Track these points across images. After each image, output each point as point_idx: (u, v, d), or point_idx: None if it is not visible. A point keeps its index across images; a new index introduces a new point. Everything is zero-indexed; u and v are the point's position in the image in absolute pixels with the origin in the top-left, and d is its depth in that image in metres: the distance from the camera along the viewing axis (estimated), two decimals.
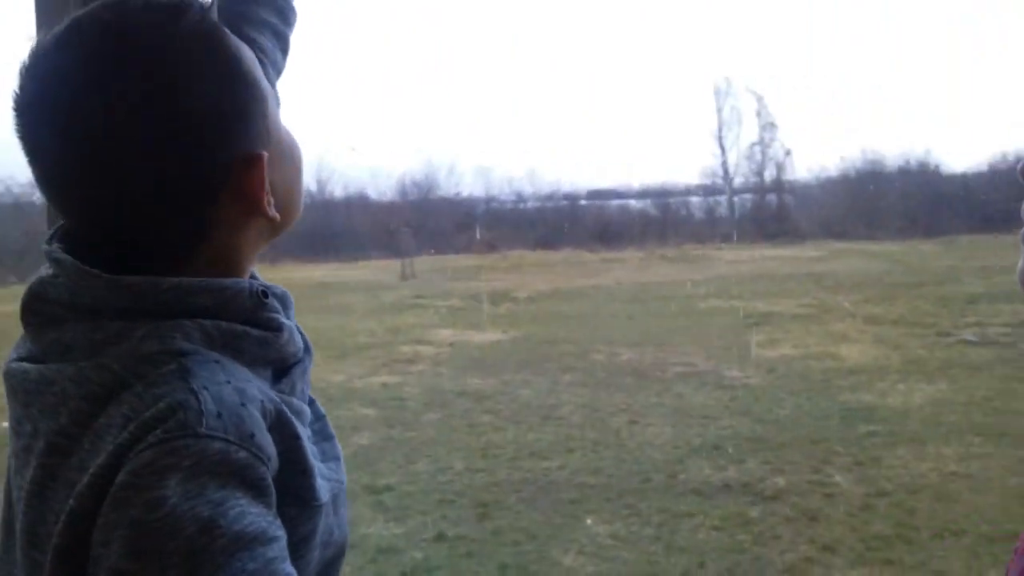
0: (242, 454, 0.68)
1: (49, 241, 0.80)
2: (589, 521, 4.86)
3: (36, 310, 0.76)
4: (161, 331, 0.72)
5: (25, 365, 0.76)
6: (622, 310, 8.00)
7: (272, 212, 0.81)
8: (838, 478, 5.23)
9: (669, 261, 9.16)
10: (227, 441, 0.67)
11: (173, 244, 0.78)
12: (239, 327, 0.75)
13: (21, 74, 0.76)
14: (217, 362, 0.73)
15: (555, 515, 4.86)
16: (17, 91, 0.75)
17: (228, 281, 0.77)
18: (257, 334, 0.76)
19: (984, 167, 8.57)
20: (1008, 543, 4.41)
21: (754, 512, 4.84)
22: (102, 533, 0.65)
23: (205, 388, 0.69)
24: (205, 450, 0.66)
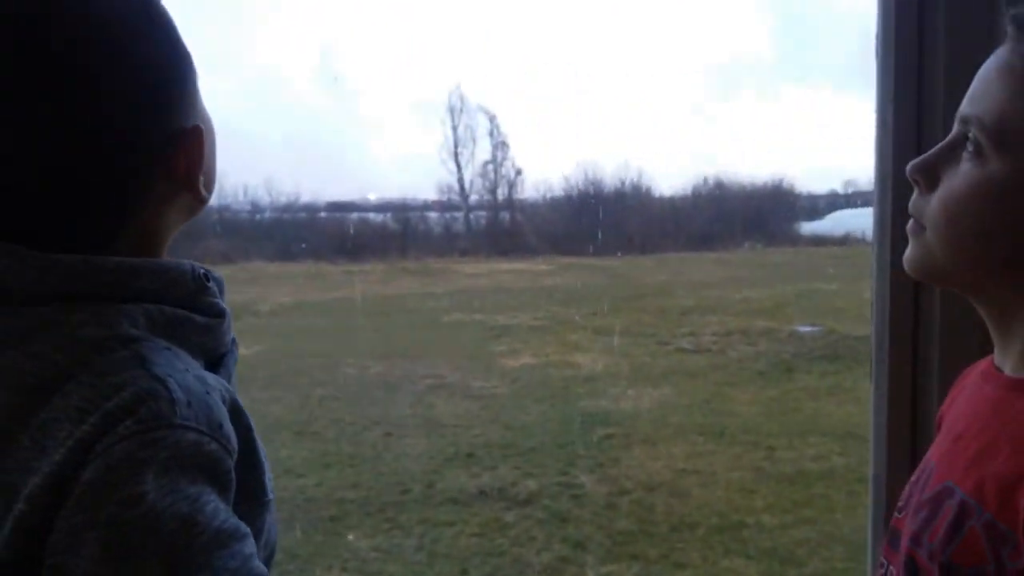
0: (213, 446, 0.65)
1: None
2: (351, 537, 4.80)
3: None
4: (103, 316, 0.66)
5: None
6: (368, 323, 7.96)
7: (203, 191, 0.76)
8: (583, 479, 5.57)
9: (411, 274, 9.26)
10: (200, 432, 0.64)
11: (101, 220, 0.72)
12: (182, 312, 0.71)
13: None
14: (168, 349, 0.69)
15: (315, 533, 4.76)
16: None
17: (170, 262, 0.72)
18: (201, 320, 0.73)
19: (688, 190, 9.52)
20: (735, 531, 4.95)
21: (510, 516, 5.04)
22: (67, 537, 0.59)
23: (169, 376, 0.65)
24: (180, 442, 0.62)
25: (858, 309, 8.72)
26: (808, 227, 10.76)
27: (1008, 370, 0.78)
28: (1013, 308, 0.76)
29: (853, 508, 5.18)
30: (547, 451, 5.89)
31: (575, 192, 9.44)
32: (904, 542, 0.81)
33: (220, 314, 0.75)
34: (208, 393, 0.68)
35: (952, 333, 1.19)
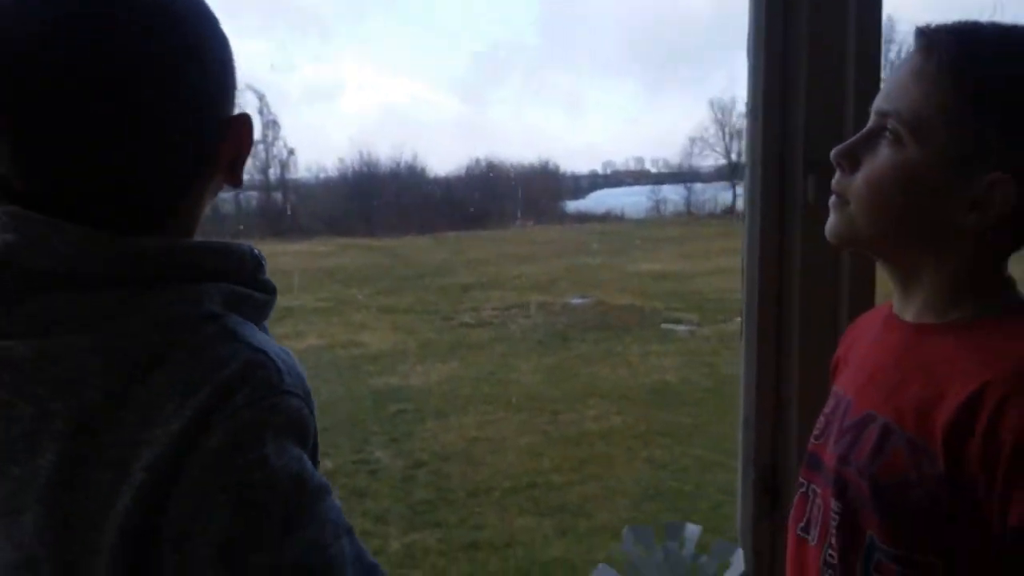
0: (306, 411, 0.71)
1: None
2: None
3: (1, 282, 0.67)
4: (187, 295, 0.70)
5: (3, 343, 0.68)
6: None
7: (242, 175, 0.81)
8: (379, 455, 5.64)
9: None
10: (299, 397, 0.70)
11: (157, 206, 0.75)
12: (245, 290, 0.75)
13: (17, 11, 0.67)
14: (246, 324, 0.73)
15: None
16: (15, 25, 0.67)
17: (232, 244, 0.76)
18: (259, 297, 0.77)
19: (463, 171, 9.75)
20: (527, 492, 5.23)
21: None
22: (195, 501, 0.63)
23: (266, 347, 0.70)
24: (289, 407, 0.68)
25: (620, 281, 9.37)
26: (573, 205, 11.39)
27: (910, 317, 0.97)
28: (917, 268, 0.95)
29: (631, 462, 5.64)
30: (340, 430, 5.89)
31: (350, 173, 9.38)
32: (831, 463, 0.98)
33: (273, 291, 0.78)
34: (295, 362, 0.72)
35: (808, 298, 1.41)
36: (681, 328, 8.02)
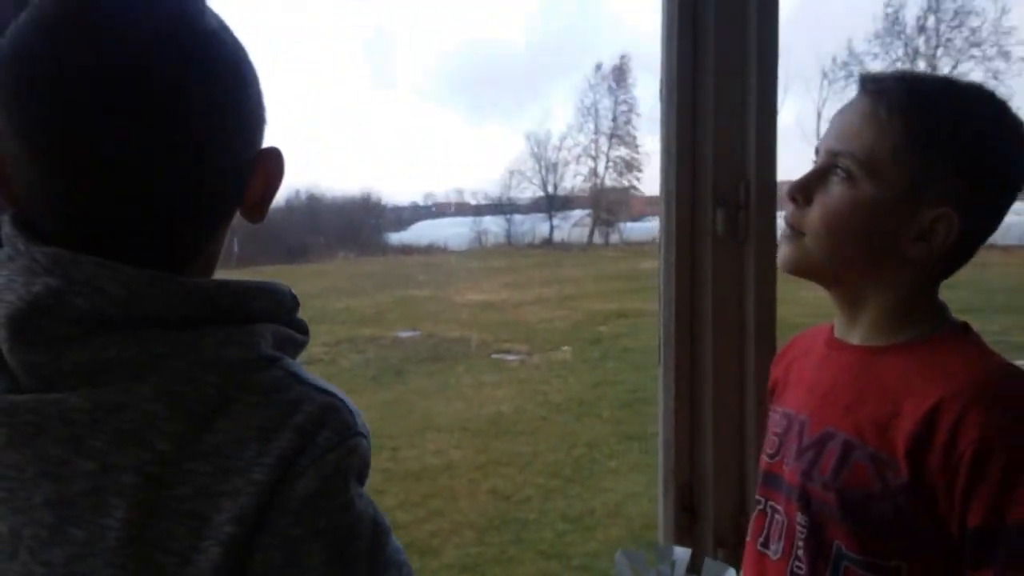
0: (369, 452, 0.71)
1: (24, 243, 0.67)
2: None
3: (41, 328, 0.63)
4: (238, 337, 0.67)
5: (50, 396, 0.64)
6: None
7: (266, 211, 0.79)
8: None
9: None
10: (366, 439, 0.70)
11: (196, 241, 0.73)
12: (287, 331, 0.73)
13: (78, 38, 0.63)
14: (299, 366, 0.72)
15: None
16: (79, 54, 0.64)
17: (272, 283, 0.74)
18: (299, 338, 0.75)
19: (282, 203, 9.52)
20: None
21: None
22: (284, 550, 0.62)
23: (331, 389, 0.70)
24: (362, 448, 0.68)
25: (448, 312, 9.42)
26: (396, 237, 11.35)
27: (856, 340, 1.06)
28: (864, 293, 1.04)
29: (474, 495, 5.65)
30: None
31: None
32: (794, 479, 1.05)
33: (307, 331, 0.75)
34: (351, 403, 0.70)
35: (719, 325, 1.49)
36: (511, 358, 8.16)
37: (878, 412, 0.99)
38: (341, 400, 0.68)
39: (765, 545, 1.10)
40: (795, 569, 1.04)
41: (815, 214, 1.02)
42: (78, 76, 0.63)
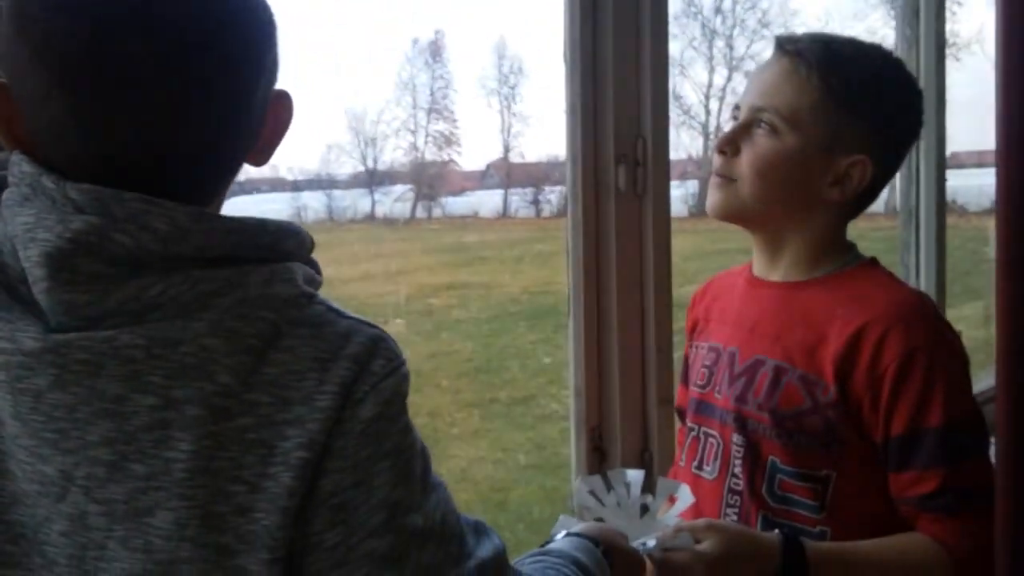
0: None
1: (56, 183, 0.65)
2: None
3: (81, 266, 0.63)
4: (280, 275, 0.69)
5: (100, 334, 0.63)
6: None
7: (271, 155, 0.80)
8: None
9: None
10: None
11: (218, 182, 0.74)
12: (311, 271, 0.75)
13: None
14: (334, 302, 0.75)
15: None
16: None
17: (295, 224, 0.75)
18: (319, 279, 0.77)
19: None
20: None
21: None
22: (351, 474, 0.66)
23: (372, 322, 0.73)
24: (408, 375, 0.72)
25: None
26: None
27: (778, 277, 1.17)
28: (785, 235, 1.15)
29: None
30: None
31: None
32: (728, 404, 1.15)
33: (320, 272, 0.76)
34: None
35: (622, 277, 1.59)
36: None
37: (805, 338, 1.11)
38: (385, 332, 0.70)
39: (700, 468, 1.20)
40: (732, 485, 1.15)
41: (745, 163, 1.12)
42: (122, 14, 0.62)
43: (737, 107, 1.16)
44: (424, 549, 0.68)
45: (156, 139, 0.66)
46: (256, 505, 0.63)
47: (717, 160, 1.15)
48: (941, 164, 2.34)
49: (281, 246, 0.70)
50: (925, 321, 1.06)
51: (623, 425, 1.62)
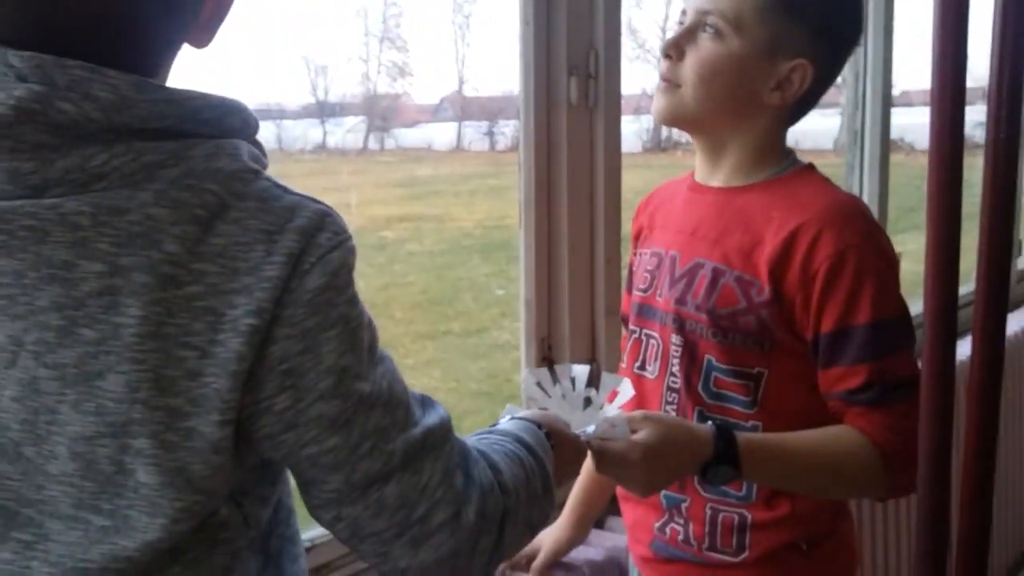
0: None
1: None
2: None
3: (19, 135, 0.63)
4: (225, 149, 0.70)
5: (46, 201, 0.64)
6: None
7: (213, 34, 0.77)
8: None
9: None
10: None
11: (158, 55, 0.72)
12: (255, 150, 0.75)
13: None
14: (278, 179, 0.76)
15: None
16: None
17: (239, 102, 0.75)
18: (264, 160, 0.77)
19: None
20: None
21: None
22: (302, 339, 0.68)
23: (317, 198, 0.74)
24: (355, 249, 0.74)
25: None
26: None
27: (718, 183, 1.20)
28: (726, 140, 1.18)
29: None
30: None
31: None
32: (668, 306, 1.19)
33: (266, 155, 0.76)
34: None
35: (573, 189, 1.61)
36: None
37: (743, 241, 1.14)
38: (331, 208, 0.71)
39: (642, 368, 1.24)
40: (671, 384, 1.19)
41: (689, 67, 1.14)
42: None
43: (684, 11, 1.17)
44: (371, 414, 0.71)
45: (91, 4, 0.65)
46: (206, 370, 0.64)
47: (663, 65, 1.16)
48: (887, 97, 2.38)
49: (225, 122, 0.70)
50: (856, 222, 1.10)
51: (572, 335, 1.66)
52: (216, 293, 0.65)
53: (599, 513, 1.50)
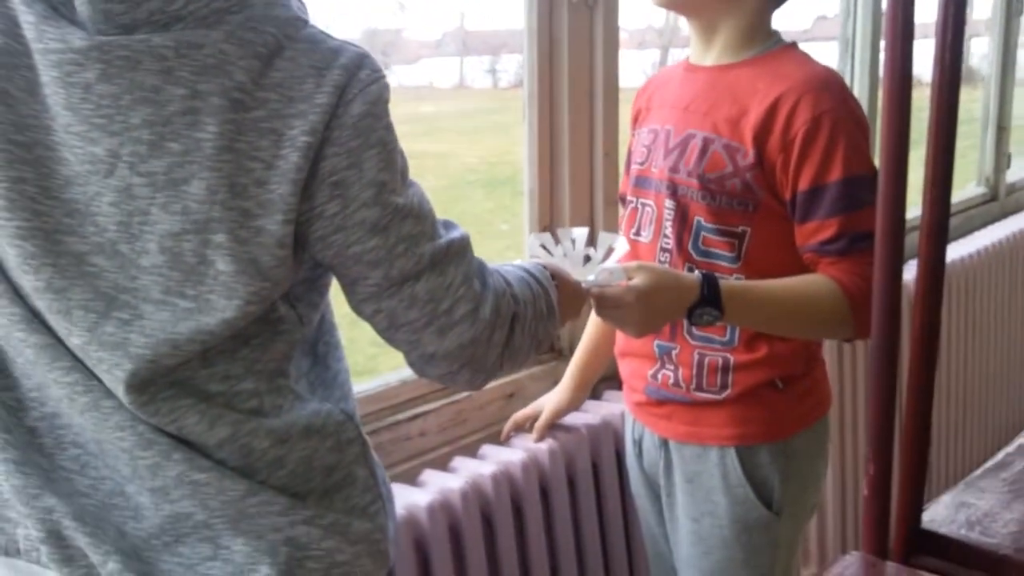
0: None
1: None
2: None
3: None
4: (279, 1, 0.82)
5: (137, 36, 0.76)
6: None
7: None
8: None
9: None
10: None
11: None
12: (302, 4, 0.87)
13: None
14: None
15: None
16: None
17: None
18: (308, 15, 0.88)
19: None
20: None
21: None
22: (347, 156, 0.81)
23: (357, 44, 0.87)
24: (389, 86, 0.86)
25: None
26: None
27: (711, 62, 1.31)
28: (718, 22, 1.29)
29: None
30: None
31: None
32: (662, 175, 1.31)
33: (307, 10, 0.87)
34: None
35: (573, 84, 1.72)
36: None
37: (730, 112, 1.26)
38: (368, 52, 0.83)
39: (637, 233, 1.37)
40: (663, 244, 1.32)
41: None
42: None
43: None
44: (404, 222, 0.84)
45: None
46: (271, 178, 0.77)
47: None
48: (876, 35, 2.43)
49: None
50: (831, 90, 1.22)
51: (572, 223, 1.77)
52: (277, 117, 0.77)
53: (595, 379, 1.63)
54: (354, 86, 0.80)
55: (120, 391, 0.78)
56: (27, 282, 0.78)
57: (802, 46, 1.31)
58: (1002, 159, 3.10)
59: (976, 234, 2.87)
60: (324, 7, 0.87)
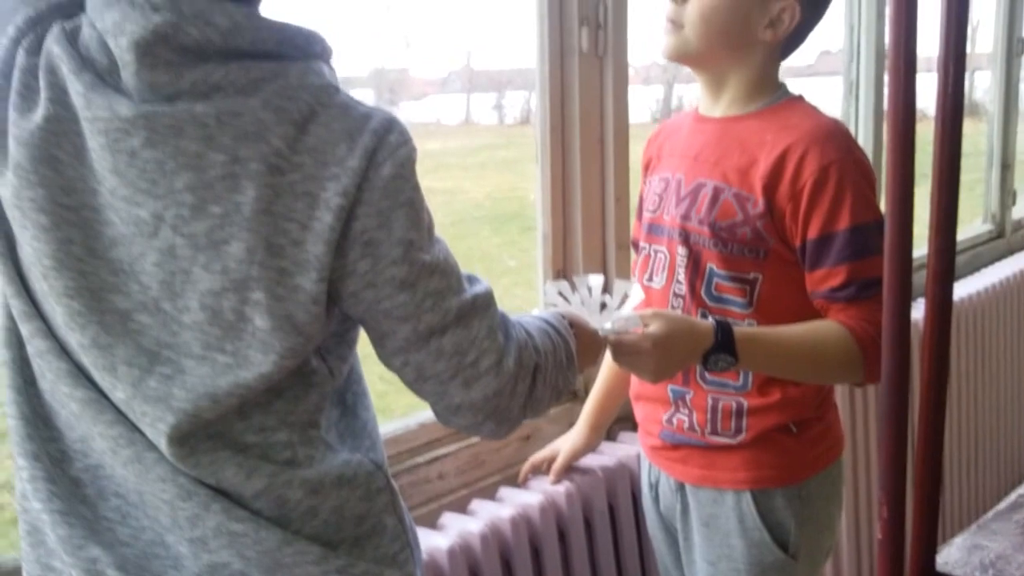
0: None
1: None
2: None
3: (157, 53, 0.79)
4: (313, 69, 0.86)
5: (180, 106, 0.80)
6: None
7: None
8: None
9: None
10: None
11: None
12: (332, 70, 0.91)
13: None
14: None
15: None
16: None
17: (321, 34, 0.91)
18: (338, 79, 0.93)
19: None
20: None
21: None
22: (376, 218, 0.84)
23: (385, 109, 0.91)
24: (416, 149, 0.90)
25: None
26: None
27: (719, 114, 1.35)
28: (726, 74, 1.33)
29: None
30: None
31: None
32: (675, 223, 1.34)
33: (336, 76, 0.92)
34: None
35: (584, 131, 1.76)
36: None
37: (740, 162, 1.30)
38: (396, 116, 0.87)
39: (650, 279, 1.40)
40: (676, 290, 1.35)
41: (692, 9, 1.29)
42: None
43: None
44: (431, 278, 0.87)
45: None
46: (306, 238, 0.81)
47: (669, 8, 1.31)
48: (880, 26, 2.45)
49: (311, 48, 0.86)
50: (837, 141, 1.26)
51: (585, 267, 1.81)
52: (312, 180, 0.81)
53: (610, 420, 1.66)
54: (384, 150, 0.84)
55: (162, 444, 0.81)
56: (73, 339, 0.82)
57: (806, 81, 1.35)
58: (1007, 196, 3.14)
59: (983, 271, 2.90)
60: (333, 47, 0.90)
